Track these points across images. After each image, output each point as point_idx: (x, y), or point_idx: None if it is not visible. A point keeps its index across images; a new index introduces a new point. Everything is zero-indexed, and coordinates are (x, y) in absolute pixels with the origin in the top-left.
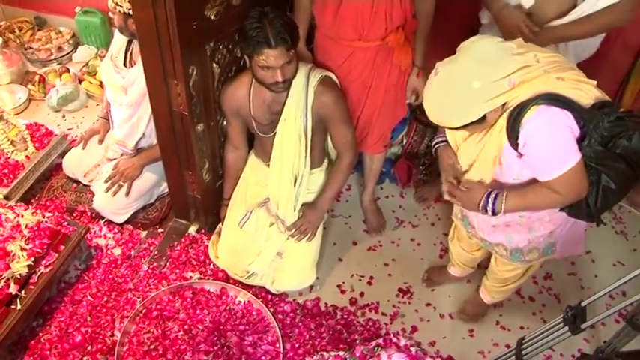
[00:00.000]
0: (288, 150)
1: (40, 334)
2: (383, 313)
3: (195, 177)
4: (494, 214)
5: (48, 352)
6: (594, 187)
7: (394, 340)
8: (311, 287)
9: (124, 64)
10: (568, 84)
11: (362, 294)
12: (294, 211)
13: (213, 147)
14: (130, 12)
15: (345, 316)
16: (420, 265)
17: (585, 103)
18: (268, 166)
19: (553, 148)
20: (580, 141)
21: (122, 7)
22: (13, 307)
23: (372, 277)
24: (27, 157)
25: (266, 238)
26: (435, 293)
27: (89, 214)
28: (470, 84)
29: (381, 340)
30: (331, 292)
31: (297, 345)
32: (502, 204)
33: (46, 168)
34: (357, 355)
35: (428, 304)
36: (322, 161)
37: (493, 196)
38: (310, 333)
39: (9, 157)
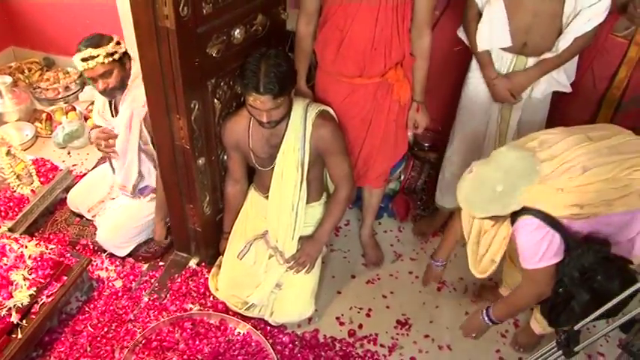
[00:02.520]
0: (287, 182)
1: None
2: (381, 345)
3: (196, 210)
4: (494, 323)
5: None
6: (563, 302)
7: None
8: (310, 319)
9: (112, 116)
10: (565, 197)
11: (360, 326)
12: (293, 241)
13: (214, 180)
14: (118, 56)
15: (344, 348)
16: (418, 297)
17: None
18: (267, 197)
19: (530, 248)
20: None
21: (117, 52)
22: (14, 336)
23: (370, 310)
24: (32, 190)
25: (265, 269)
26: (433, 325)
27: (91, 247)
28: (494, 188)
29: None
30: (330, 324)
31: None
32: (492, 312)
33: (51, 202)
34: None
35: (426, 336)
36: (320, 195)
37: (485, 311)
38: None
39: (14, 191)
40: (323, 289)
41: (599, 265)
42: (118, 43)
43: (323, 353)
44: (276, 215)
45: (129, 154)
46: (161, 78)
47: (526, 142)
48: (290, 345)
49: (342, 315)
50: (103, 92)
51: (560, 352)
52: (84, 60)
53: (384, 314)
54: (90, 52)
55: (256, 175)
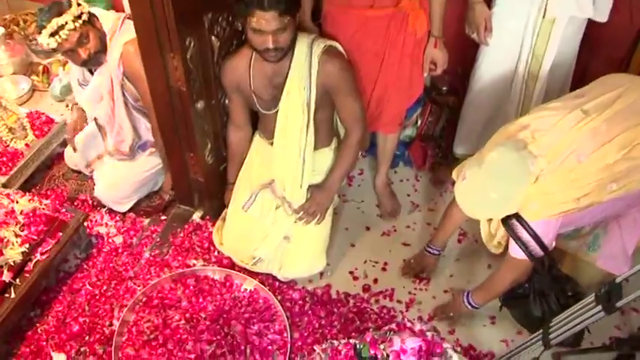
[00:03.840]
0: (292, 125)
1: (37, 324)
2: (398, 301)
3: (197, 159)
4: (474, 307)
5: (45, 343)
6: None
7: (408, 324)
8: (321, 274)
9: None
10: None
11: (375, 281)
12: (301, 190)
13: (216, 127)
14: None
15: (358, 304)
16: None
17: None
18: (272, 144)
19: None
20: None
21: (83, 13)
22: (7, 295)
23: (386, 263)
24: (26, 144)
25: (272, 221)
26: (454, 279)
27: (90, 202)
28: (488, 194)
29: (393, 325)
30: (343, 278)
31: (305, 334)
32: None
33: (47, 156)
34: (368, 340)
35: (446, 291)
36: (330, 140)
37: (465, 295)
38: (320, 321)
39: (7, 145)
40: (335, 242)
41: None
42: (78, 4)
43: (335, 310)
44: (282, 162)
45: (117, 118)
46: (151, 12)
47: (517, 131)
48: (300, 301)
49: (356, 269)
50: (88, 61)
51: (600, 307)
52: (53, 34)
53: (399, 267)
54: (56, 22)
55: (260, 120)
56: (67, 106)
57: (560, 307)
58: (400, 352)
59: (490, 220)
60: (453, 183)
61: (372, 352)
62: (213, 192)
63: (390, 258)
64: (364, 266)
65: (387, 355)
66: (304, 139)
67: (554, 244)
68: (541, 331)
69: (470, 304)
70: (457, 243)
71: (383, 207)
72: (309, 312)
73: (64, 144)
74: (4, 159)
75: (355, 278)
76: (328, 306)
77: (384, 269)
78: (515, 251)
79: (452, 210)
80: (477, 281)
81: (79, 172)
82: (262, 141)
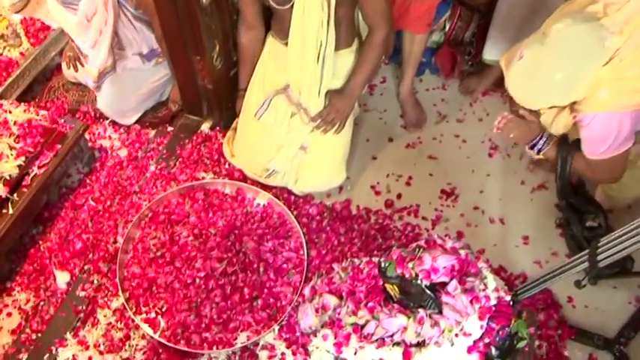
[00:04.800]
0: (310, 22)
1: (40, 242)
2: (423, 218)
3: (204, 63)
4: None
5: (48, 261)
6: None
7: (439, 242)
8: (340, 188)
9: None
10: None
11: (399, 196)
12: (319, 95)
13: (224, 25)
14: None
15: (380, 221)
16: (466, 164)
17: None
18: (287, 44)
19: (594, 139)
20: None
21: None
22: (4, 211)
23: (410, 178)
24: (21, 53)
25: (287, 130)
26: (484, 196)
27: (93, 114)
28: (552, 76)
29: (422, 242)
30: (364, 193)
31: (323, 252)
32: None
33: (45, 67)
34: (394, 257)
35: (475, 208)
36: (352, 41)
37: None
38: (339, 239)
39: (1, 54)
40: (356, 154)
41: None
42: None
43: (356, 226)
44: (298, 64)
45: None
46: None
47: (585, 5)
48: (318, 217)
49: (378, 183)
50: None
51: None
52: None
53: (427, 183)
54: None
55: (274, 18)
56: None
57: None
58: (431, 271)
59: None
60: (484, 93)
61: (399, 270)
62: (223, 100)
63: (415, 172)
64: (387, 180)
65: (416, 275)
66: (324, 37)
67: (631, 143)
68: (587, 250)
69: (539, 148)
70: (488, 157)
71: (407, 117)
72: (328, 228)
73: (62, 53)
74: None
75: (377, 193)
76: (348, 222)
77: (408, 184)
78: (592, 153)
79: None
80: (510, 199)
81: (79, 83)
82: (276, 42)
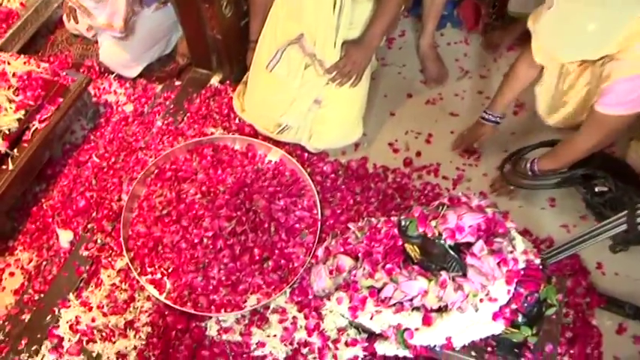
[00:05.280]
0: None
1: (43, 200)
2: (444, 177)
3: (213, 11)
4: (534, 174)
5: (50, 220)
6: None
7: (464, 199)
8: (356, 145)
9: None
10: None
11: (418, 154)
12: (335, 46)
13: None
14: None
15: (398, 179)
16: None
17: None
18: None
19: (618, 93)
20: None
21: None
22: (4, 167)
23: (430, 135)
24: (21, 4)
25: (300, 82)
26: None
27: (97, 68)
28: (584, 26)
29: (445, 200)
30: (381, 151)
31: (338, 211)
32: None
33: (48, 19)
34: (416, 215)
35: (499, 168)
36: None
37: (530, 162)
38: (355, 198)
39: (0, 4)
40: (373, 110)
41: None
42: None
43: (372, 185)
44: (313, 12)
45: None
46: None
47: None
48: (332, 175)
49: (396, 141)
50: None
51: None
52: None
53: (448, 140)
54: None
55: None
56: None
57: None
58: (456, 230)
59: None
60: (509, 48)
61: (421, 229)
62: (234, 52)
63: (436, 129)
64: (405, 137)
65: (439, 234)
66: None
67: None
68: (625, 212)
69: (532, 171)
70: (513, 115)
71: (427, 72)
72: (343, 187)
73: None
74: None
75: (395, 151)
76: (364, 181)
77: (428, 141)
78: (608, 104)
79: (517, 69)
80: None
81: (83, 37)
82: None
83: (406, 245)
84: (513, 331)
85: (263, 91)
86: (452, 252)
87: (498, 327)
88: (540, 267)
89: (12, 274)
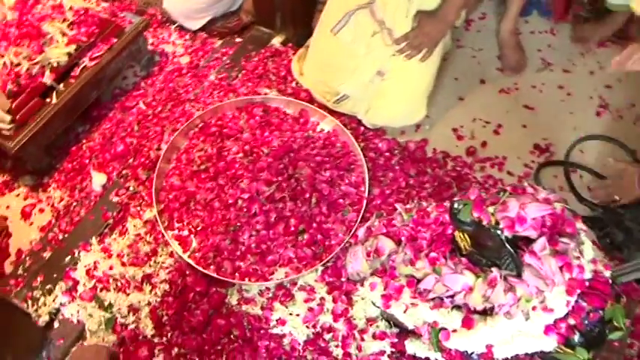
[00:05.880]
0: None
1: (84, 140)
2: (509, 172)
3: None
4: None
5: (87, 161)
6: None
7: (529, 190)
8: (417, 126)
9: None
10: None
11: (484, 144)
12: (408, 15)
13: None
14: None
15: (458, 168)
16: (567, 119)
17: None
18: None
19: None
20: None
21: None
22: (48, 100)
23: (500, 126)
24: None
25: (366, 50)
26: (583, 157)
27: (160, 17)
28: None
29: (507, 187)
30: (444, 135)
31: (388, 192)
32: None
33: None
34: (472, 198)
35: (573, 170)
36: None
37: None
38: (408, 180)
39: None
40: (440, 92)
41: None
42: None
43: (429, 170)
44: None
45: None
46: None
47: None
48: (387, 153)
49: (462, 127)
50: None
51: None
52: None
53: (518, 134)
54: None
55: None
56: None
57: None
58: (516, 220)
59: None
60: (601, 44)
61: (476, 215)
62: (299, 13)
63: (507, 120)
64: (472, 125)
65: (497, 223)
66: None
67: None
68: None
69: None
70: (595, 116)
71: (505, 59)
72: (397, 167)
73: None
74: None
75: (459, 138)
76: (421, 164)
77: (496, 132)
78: None
79: None
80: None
81: None
82: None
83: (456, 233)
84: (566, 352)
85: (324, 55)
86: (508, 246)
87: (550, 343)
88: (610, 282)
89: (42, 210)
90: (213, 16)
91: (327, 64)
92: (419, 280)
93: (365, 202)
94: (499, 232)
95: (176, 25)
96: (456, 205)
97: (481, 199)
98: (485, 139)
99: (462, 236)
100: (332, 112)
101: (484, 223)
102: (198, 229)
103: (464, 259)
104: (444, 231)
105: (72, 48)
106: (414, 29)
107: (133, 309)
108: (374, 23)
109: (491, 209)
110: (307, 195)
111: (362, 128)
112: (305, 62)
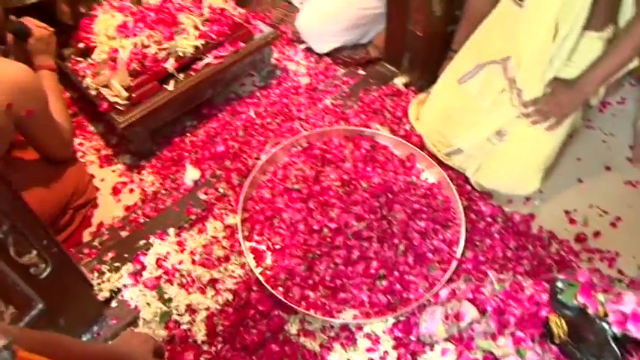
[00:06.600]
0: None
1: (188, 134)
2: (619, 271)
3: (422, 3)
4: None
5: (186, 154)
6: None
7: None
8: (527, 199)
9: None
10: None
11: (597, 234)
12: (542, 79)
13: None
14: None
15: (563, 253)
16: None
17: None
18: (522, 6)
19: None
20: None
21: None
22: (165, 86)
23: (619, 219)
24: None
25: (490, 106)
26: None
27: (290, 35)
28: None
29: (625, 279)
30: (554, 215)
31: (482, 259)
32: None
33: None
34: (580, 280)
35: None
36: (605, 24)
37: None
38: (506, 252)
39: None
40: (559, 169)
41: None
42: None
43: (531, 247)
44: (529, 34)
45: None
46: None
47: None
48: (489, 219)
49: (575, 211)
50: None
51: None
52: None
53: (639, 232)
54: None
55: None
56: None
57: None
58: (631, 317)
59: None
60: None
61: (582, 300)
62: (428, 57)
63: (628, 215)
64: (587, 211)
65: (605, 314)
66: (573, 6)
67: None
68: None
69: None
70: None
71: (639, 151)
72: (496, 236)
73: None
74: None
75: (571, 221)
76: (523, 239)
77: (613, 225)
78: None
79: None
80: None
81: (289, 2)
82: (511, 3)
83: (551, 317)
84: None
85: (446, 104)
86: (614, 345)
87: None
88: None
89: (132, 190)
90: (342, 44)
91: (447, 114)
92: (497, 359)
93: (455, 263)
94: (606, 325)
95: (304, 46)
96: (559, 284)
97: (591, 284)
98: (600, 230)
99: (558, 322)
100: (440, 164)
101: (589, 311)
102: (277, 247)
103: (554, 348)
104: (538, 312)
105: (200, 42)
106: (546, 95)
107: (191, 309)
108: (504, 80)
109: (601, 297)
110: (396, 240)
111: (468, 187)
112: (423, 108)
